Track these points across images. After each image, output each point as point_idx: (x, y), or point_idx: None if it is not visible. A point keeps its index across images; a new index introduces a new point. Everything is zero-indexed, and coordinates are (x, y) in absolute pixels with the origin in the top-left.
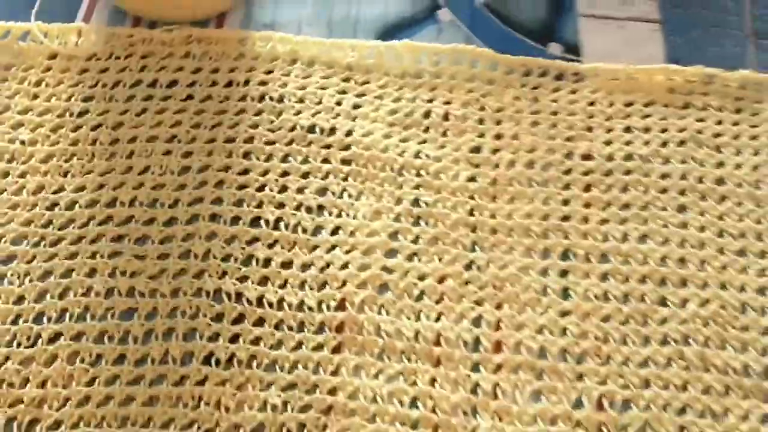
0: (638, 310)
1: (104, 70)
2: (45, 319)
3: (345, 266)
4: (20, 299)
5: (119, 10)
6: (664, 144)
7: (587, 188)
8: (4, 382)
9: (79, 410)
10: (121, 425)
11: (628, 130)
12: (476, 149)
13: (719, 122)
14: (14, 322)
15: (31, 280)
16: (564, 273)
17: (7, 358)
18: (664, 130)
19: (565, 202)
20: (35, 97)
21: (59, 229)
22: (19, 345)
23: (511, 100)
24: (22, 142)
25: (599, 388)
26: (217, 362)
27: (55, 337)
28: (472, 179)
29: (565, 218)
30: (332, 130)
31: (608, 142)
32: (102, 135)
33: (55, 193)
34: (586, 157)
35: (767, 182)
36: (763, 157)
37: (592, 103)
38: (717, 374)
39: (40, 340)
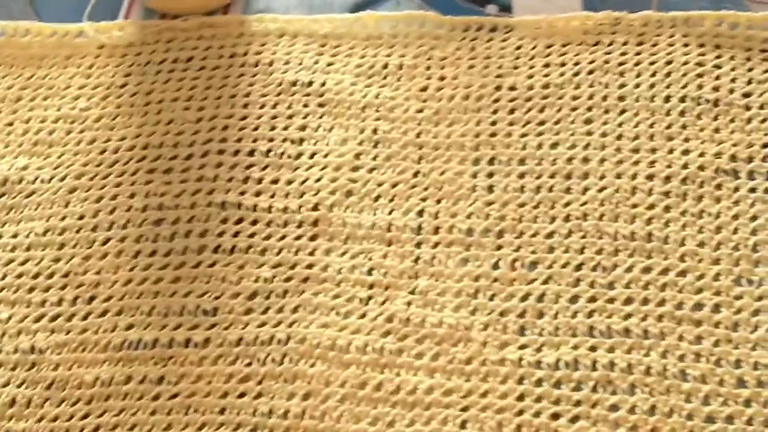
0: (547, 197)
1: (139, 53)
2: (99, 229)
3: (319, 180)
4: (81, 217)
5: (150, 9)
6: (576, 74)
7: (511, 111)
8: (71, 272)
9: (125, 287)
10: (154, 296)
11: (547, 65)
12: (424, 89)
13: (623, 54)
14: (77, 231)
15: (88, 203)
16: (490, 174)
17: (72, 257)
18: (576, 63)
19: (493, 123)
20: (89, 76)
21: (108, 167)
22: (80, 247)
23: (453, 51)
24: (81, 109)
25: (513, 254)
26: (224, 251)
27: (106, 241)
28: (419, 111)
29: (493, 134)
30: (310, 83)
31: (530, 76)
32: (138, 99)
33: (104, 142)
34: (512, 88)
35: (662, 95)
36: (659, 76)
37: (518, 47)
38: (608, 239)
39: (95, 243)
